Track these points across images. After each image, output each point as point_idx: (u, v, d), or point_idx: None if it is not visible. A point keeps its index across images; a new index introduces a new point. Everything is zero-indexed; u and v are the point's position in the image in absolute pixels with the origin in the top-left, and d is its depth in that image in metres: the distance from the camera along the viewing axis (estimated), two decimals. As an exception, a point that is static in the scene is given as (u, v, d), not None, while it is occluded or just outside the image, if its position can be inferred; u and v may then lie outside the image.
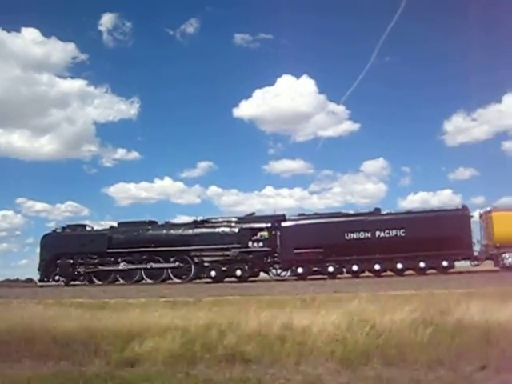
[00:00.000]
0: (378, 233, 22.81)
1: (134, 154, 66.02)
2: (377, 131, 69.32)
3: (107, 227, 27.22)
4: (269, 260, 24.03)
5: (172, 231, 25.14)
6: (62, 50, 62.63)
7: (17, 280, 63.13)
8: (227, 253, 23.86)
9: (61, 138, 66.17)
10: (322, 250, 22.86)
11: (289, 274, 24.17)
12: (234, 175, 77.86)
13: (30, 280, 61.95)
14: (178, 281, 24.27)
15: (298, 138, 73.51)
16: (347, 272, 23.33)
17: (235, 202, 70.13)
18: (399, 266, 22.54)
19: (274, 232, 23.92)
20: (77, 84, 64.45)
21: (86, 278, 25.83)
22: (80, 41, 70.74)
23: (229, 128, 70.06)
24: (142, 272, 24.95)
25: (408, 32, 64.28)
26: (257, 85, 74.68)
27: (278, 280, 23.24)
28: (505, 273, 20.80)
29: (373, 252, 22.59)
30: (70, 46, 62.26)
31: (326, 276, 22.84)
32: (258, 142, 73.14)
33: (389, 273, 22.91)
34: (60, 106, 67.57)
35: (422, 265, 22.38)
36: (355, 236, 22.96)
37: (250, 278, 23.73)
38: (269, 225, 23.81)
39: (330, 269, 22.96)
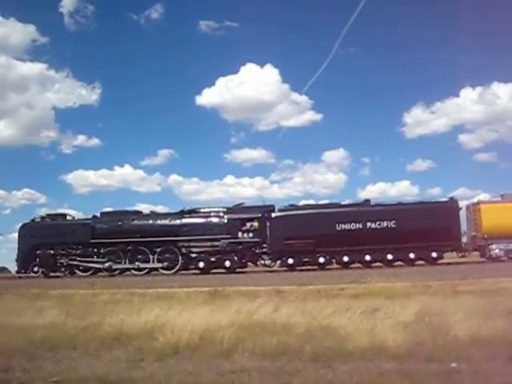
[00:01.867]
0: (369, 224, 22.74)
1: (95, 141, 64.02)
2: (338, 122, 69.62)
3: (89, 217, 26.16)
4: (258, 251, 23.60)
5: (158, 221, 24.38)
6: (21, 32, 59.53)
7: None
8: (216, 243, 23.35)
9: (19, 123, 63.35)
10: (312, 241, 22.64)
11: (277, 264, 23.95)
12: (195, 164, 76.73)
13: (3, 269, 59.85)
14: (166, 272, 23.58)
15: (260, 127, 73.24)
16: (337, 263, 23.26)
17: (196, 191, 69.25)
18: (389, 256, 22.56)
19: (263, 222, 23.51)
20: (36, 68, 61.66)
21: (67, 270, 24.85)
22: (40, 23, 67.42)
23: (191, 116, 68.82)
24: (127, 264, 24.11)
25: (372, 23, 64.67)
26: (220, 73, 73.38)
27: (266, 271, 22.88)
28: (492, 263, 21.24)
29: (364, 243, 22.51)
30: (30, 28, 59.40)
31: (315, 267, 22.74)
32: (220, 131, 72.16)
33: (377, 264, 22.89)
34: (18, 90, 64.64)
35: (411, 256, 22.47)
36: (346, 227, 22.84)
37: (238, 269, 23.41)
38: (259, 215, 23.39)
39: (321, 260, 22.82)
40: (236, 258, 23.24)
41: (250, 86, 63.25)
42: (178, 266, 23.71)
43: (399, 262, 22.73)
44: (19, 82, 59.98)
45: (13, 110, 63.33)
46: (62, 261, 24.77)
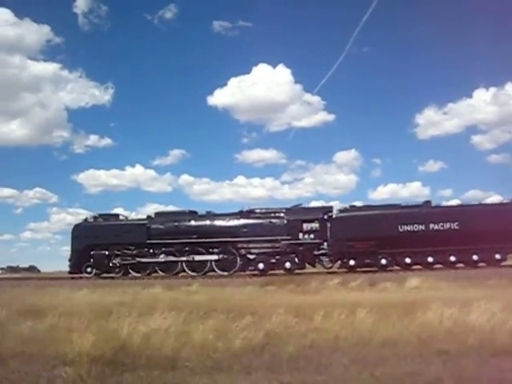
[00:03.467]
0: (431, 225, 22.61)
1: (107, 141, 64.22)
2: (350, 122, 70.27)
3: (143, 217, 25.94)
4: (317, 252, 23.44)
5: (216, 222, 24.17)
6: (35, 32, 59.61)
7: (17, 267, 60.27)
8: (276, 245, 23.18)
9: (32, 123, 63.56)
10: (374, 242, 22.49)
11: (335, 266, 23.81)
12: (206, 164, 77.31)
13: (33, 267, 59.33)
14: (223, 273, 23.36)
15: (272, 127, 73.42)
16: (397, 264, 23.12)
17: (206, 191, 69.22)
18: (452, 258, 22.47)
19: (323, 223, 23.35)
20: (50, 67, 61.72)
21: (121, 270, 24.60)
22: (55, 23, 67.69)
23: (203, 116, 69.39)
24: (184, 264, 23.90)
25: (385, 23, 65.05)
26: (232, 73, 73.74)
27: (329, 272, 22.73)
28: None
29: (426, 244, 22.38)
30: (45, 29, 59.29)
31: (375, 269, 22.60)
32: (231, 131, 72.67)
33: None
34: (32, 89, 64.92)
35: (474, 258, 22.38)
36: (409, 228, 22.68)
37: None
38: (320, 216, 23.24)
39: (383, 261, 22.69)
40: (296, 260, 23.07)
41: (262, 87, 62.99)
42: (236, 267, 23.52)
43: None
44: (33, 81, 60.05)
45: (26, 110, 63.51)
46: (115, 261, 24.52)
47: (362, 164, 67.01)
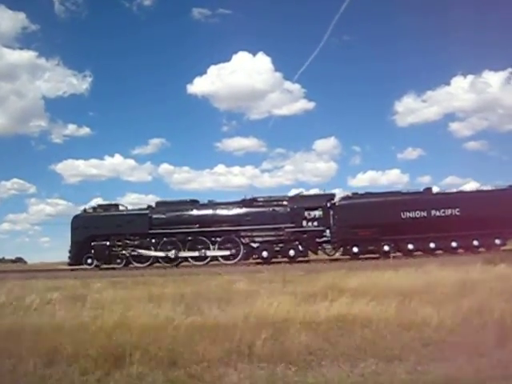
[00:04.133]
0: (433, 212, 22.87)
1: (86, 130, 63.07)
2: (330, 110, 70.10)
3: (144, 207, 25.65)
4: (320, 239, 23.53)
5: (219, 211, 24.06)
6: (10, 19, 57.81)
7: (3, 259, 59.06)
8: (280, 232, 23.19)
9: (8, 112, 61.80)
10: (378, 229, 22.66)
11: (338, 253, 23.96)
12: (186, 153, 76.59)
13: (19, 259, 58.27)
14: (227, 262, 23.28)
15: (252, 115, 72.80)
16: (399, 250, 23.34)
17: (186, 180, 68.72)
18: (453, 244, 22.78)
19: (326, 211, 23.42)
20: (26, 55, 60.03)
21: (122, 261, 24.35)
22: (30, 10, 65.75)
23: (182, 105, 68.56)
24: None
25: (364, 11, 65.23)
26: (212, 61, 72.74)
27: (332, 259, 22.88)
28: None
29: (428, 231, 22.64)
30: (20, 16, 57.72)
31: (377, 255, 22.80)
32: (211, 120, 71.87)
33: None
34: (8, 78, 63.37)
35: (475, 243, 22.73)
36: (411, 215, 22.91)
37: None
38: (323, 203, 23.30)
39: (386, 248, 22.91)
40: (300, 247, 23.13)
41: (242, 75, 62.43)
42: (240, 256, 23.48)
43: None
44: (9, 70, 58.30)
45: (2, 99, 61.52)
46: (117, 252, 24.25)
47: (341, 152, 67.50)
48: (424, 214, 22.88)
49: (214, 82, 62.23)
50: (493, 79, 60.09)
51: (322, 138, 68.00)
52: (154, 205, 25.39)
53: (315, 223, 23.21)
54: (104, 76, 71.33)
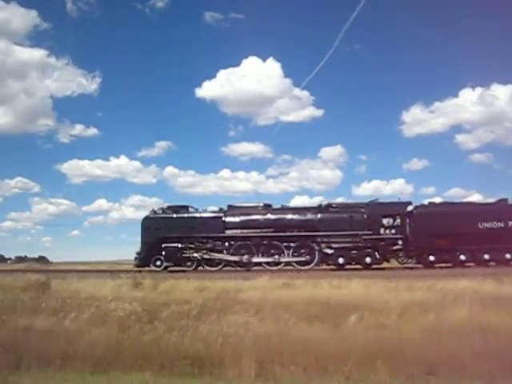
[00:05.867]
0: (510, 223, 23.05)
1: (93, 131, 62.77)
2: (338, 118, 70.54)
3: (216, 209, 25.43)
4: (395, 247, 23.56)
5: (295, 215, 23.97)
6: (22, 17, 57.03)
7: (25, 257, 57.92)
8: (357, 239, 23.16)
9: (16, 110, 61.11)
10: (454, 238, 22.76)
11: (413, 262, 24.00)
12: (191, 156, 76.49)
13: (42, 258, 57.17)
14: (301, 268, 23.13)
15: (260, 121, 73.03)
16: (473, 261, 23.42)
17: (191, 184, 68.47)
18: (529, 255, 22.95)
19: (403, 219, 23.48)
20: (37, 54, 59.36)
21: (193, 264, 24.07)
22: (42, 8, 64.87)
23: (190, 108, 68.52)
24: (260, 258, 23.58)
25: (374, 21, 65.86)
26: (222, 65, 72.28)
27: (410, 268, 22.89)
28: None
29: (504, 241, 22.81)
30: (32, 14, 56.97)
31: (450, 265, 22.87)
32: (218, 124, 71.96)
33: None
34: (18, 76, 62.40)
35: (553, 254, 22.91)
36: (488, 225, 23.07)
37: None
38: (402, 211, 23.36)
39: (462, 257, 23.01)
40: (377, 254, 23.12)
41: (252, 80, 62.15)
42: (315, 261, 23.39)
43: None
44: (19, 68, 57.45)
45: (11, 97, 60.91)
46: (188, 254, 23.97)
47: (347, 160, 67.85)
48: (501, 224, 23.06)
49: (223, 86, 62.17)
50: (501, 92, 60.87)
51: (329, 146, 68.59)
52: (225, 208, 25.18)
53: (393, 231, 23.28)
54: (113, 77, 71.15)
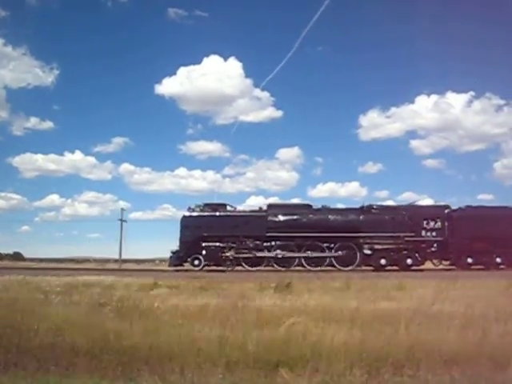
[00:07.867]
0: (547, 227, 23.90)
1: (48, 124, 60.71)
2: (297, 120, 71.34)
3: (256, 209, 25.09)
4: (434, 250, 24.01)
5: (337, 216, 24.02)
6: None
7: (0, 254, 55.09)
8: (399, 241, 23.46)
9: None
10: (492, 241, 23.44)
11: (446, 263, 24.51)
12: (148, 153, 75.43)
13: (17, 254, 54.59)
14: (343, 268, 23.21)
15: (218, 120, 72.65)
16: (509, 264, 24.07)
17: (146, 181, 67.65)
18: None
19: (442, 221, 23.96)
20: None
21: (233, 263, 23.72)
22: None
23: (149, 105, 67.60)
24: (302, 259, 23.50)
25: (336, 23, 66.59)
26: (182, 62, 71.01)
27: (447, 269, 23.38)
28: None
29: None
30: None
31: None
32: (176, 122, 70.97)
33: None
34: None
35: None
36: (524, 229, 23.84)
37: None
38: (442, 214, 23.83)
39: (498, 260, 23.73)
40: (418, 256, 23.49)
41: (212, 78, 61.61)
42: (356, 262, 23.53)
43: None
44: None
45: None
46: (229, 254, 23.59)
47: (304, 162, 68.32)
48: (537, 229, 23.86)
49: (183, 83, 61.13)
50: (456, 100, 62.75)
51: (286, 147, 68.33)
52: (265, 207, 24.92)
53: (434, 233, 23.72)
54: (71, 70, 68.67)
